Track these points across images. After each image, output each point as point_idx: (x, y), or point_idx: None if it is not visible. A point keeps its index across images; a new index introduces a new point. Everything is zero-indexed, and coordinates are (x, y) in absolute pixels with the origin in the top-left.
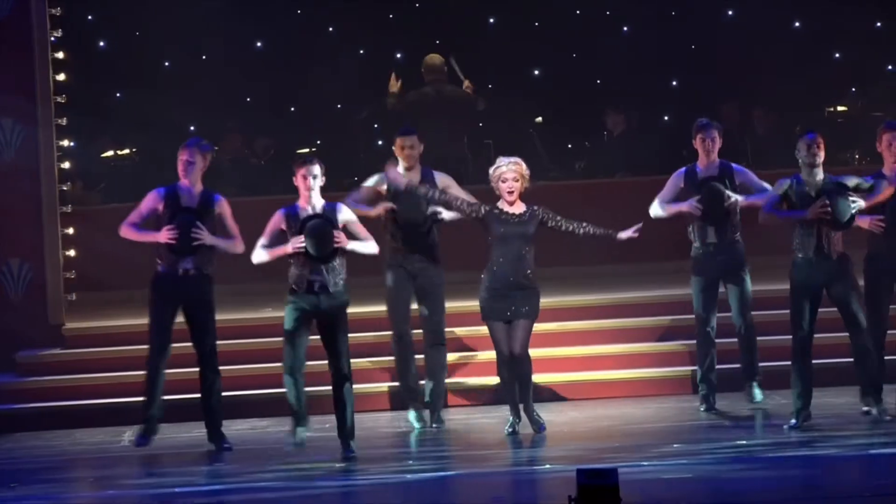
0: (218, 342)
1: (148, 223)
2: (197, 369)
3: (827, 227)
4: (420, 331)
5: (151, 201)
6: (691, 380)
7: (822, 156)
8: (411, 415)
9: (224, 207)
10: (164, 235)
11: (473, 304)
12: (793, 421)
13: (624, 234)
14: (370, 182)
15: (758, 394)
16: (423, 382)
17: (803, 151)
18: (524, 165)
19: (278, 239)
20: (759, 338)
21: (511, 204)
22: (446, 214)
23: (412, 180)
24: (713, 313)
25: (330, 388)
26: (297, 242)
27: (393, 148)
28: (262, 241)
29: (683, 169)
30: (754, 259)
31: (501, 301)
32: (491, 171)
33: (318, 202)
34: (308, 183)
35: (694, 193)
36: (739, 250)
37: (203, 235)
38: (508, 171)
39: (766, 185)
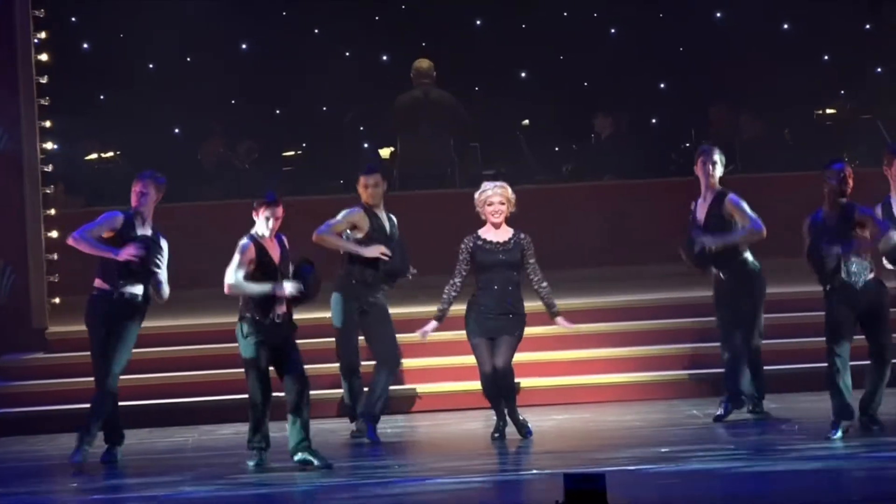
0: (203, 346)
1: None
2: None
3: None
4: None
5: (110, 222)
6: (682, 384)
7: (851, 185)
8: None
9: (166, 249)
10: (127, 253)
11: (455, 309)
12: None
13: (560, 321)
14: (343, 216)
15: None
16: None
17: (833, 181)
18: (510, 189)
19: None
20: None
21: (496, 227)
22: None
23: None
24: (734, 324)
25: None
26: (296, 287)
27: (357, 186)
28: (237, 270)
29: (695, 201)
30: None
31: (487, 322)
32: (476, 195)
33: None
34: (270, 224)
35: (694, 227)
36: (746, 273)
37: (162, 264)
38: (494, 195)
39: (754, 219)
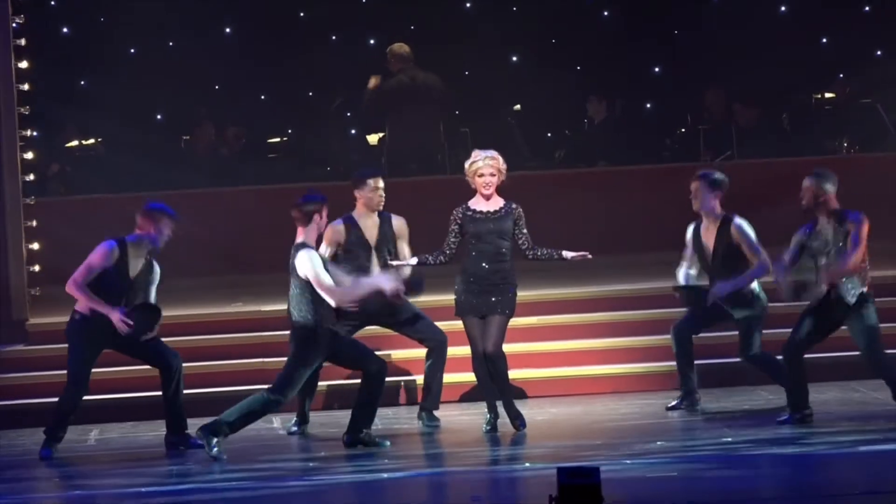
0: (189, 337)
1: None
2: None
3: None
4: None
5: (102, 258)
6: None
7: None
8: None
9: (158, 274)
10: (119, 324)
11: (448, 299)
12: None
13: (568, 254)
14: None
15: None
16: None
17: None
18: (501, 159)
19: None
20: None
21: (487, 198)
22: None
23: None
24: (701, 328)
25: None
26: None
27: (360, 192)
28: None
29: (692, 225)
30: None
31: (476, 297)
32: (466, 165)
33: None
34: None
35: (698, 254)
36: (749, 301)
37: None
38: (485, 167)
39: (760, 253)
